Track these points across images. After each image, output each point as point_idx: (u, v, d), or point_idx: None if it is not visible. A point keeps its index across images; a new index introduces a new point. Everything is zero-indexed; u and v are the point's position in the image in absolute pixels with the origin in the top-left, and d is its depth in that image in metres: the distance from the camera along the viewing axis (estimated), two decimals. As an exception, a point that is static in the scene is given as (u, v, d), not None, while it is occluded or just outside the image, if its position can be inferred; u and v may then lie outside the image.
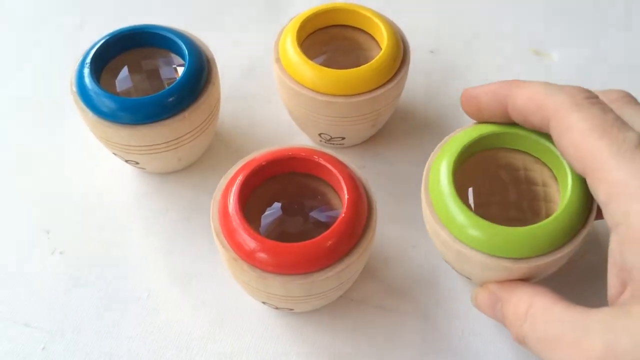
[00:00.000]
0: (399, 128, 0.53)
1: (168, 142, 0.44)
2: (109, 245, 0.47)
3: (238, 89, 0.56)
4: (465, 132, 0.40)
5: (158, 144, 0.44)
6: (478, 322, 0.43)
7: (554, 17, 0.63)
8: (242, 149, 0.52)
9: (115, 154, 0.46)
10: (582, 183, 0.37)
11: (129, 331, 0.43)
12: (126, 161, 0.47)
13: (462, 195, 0.37)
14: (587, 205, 0.37)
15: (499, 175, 0.42)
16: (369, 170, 0.51)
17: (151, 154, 0.45)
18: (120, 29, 0.47)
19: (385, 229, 0.46)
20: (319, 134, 0.49)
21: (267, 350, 0.42)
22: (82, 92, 0.43)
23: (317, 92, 0.45)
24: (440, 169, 0.38)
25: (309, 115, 0.47)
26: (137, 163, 0.47)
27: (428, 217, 0.38)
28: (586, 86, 0.35)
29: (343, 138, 0.49)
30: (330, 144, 0.50)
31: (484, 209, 0.42)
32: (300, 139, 0.52)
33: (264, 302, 0.40)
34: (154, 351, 0.42)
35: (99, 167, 0.51)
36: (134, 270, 0.45)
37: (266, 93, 0.55)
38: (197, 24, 0.59)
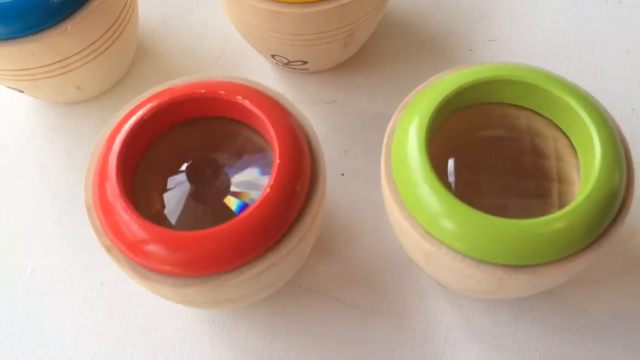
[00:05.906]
0: (382, 51, 0.43)
1: (49, 65, 0.34)
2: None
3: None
4: (448, 78, 0.29)
5: (34, 68, 0.34)
6: (462, 313, 0.32)
7: None
8: (169, 77, 0.40)
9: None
10: (616, 157, 0.26)
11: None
12: (8, 87, 0.36)
13: (438, 171, 0.26)
14: (622, 189, 0.27)
15: (492, 143, 0.30)
16: (341, 105, 0.40)
17: (30, 80, 0.35)
18: None
19: (351, 189, 0.36)
20: (273, 56, 0.38)
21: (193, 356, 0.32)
22: None
23: (262, -2, 0.34)
24: (409, 131, 0.27)
25: (255, 31, 0.37)
26: (22, 92, 0.36)
27: (389, 201, 0.27)
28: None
29: (305, 62, 0.39)
30: (290, 68, 0.40)
31: (469, 192, 0.30)
32: (255, 64, 0.41)
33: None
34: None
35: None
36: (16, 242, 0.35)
37: (208, 3, 0.44)
38: None
